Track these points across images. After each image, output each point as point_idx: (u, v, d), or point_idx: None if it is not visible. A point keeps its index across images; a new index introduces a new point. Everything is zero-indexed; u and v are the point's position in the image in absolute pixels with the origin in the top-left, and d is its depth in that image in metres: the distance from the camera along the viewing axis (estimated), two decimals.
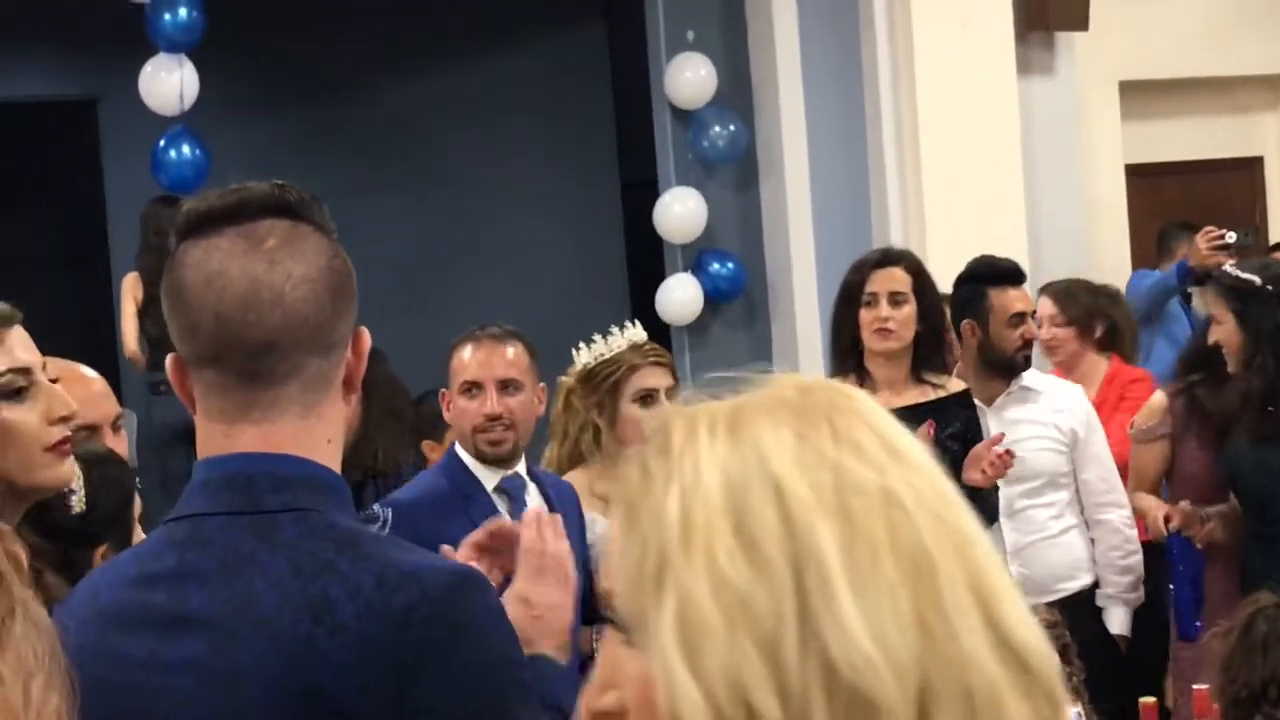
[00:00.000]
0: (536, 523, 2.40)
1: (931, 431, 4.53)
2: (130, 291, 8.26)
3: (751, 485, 1.13)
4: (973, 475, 4.53)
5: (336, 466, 1.93)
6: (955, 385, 4.91)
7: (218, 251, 1.88)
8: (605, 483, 4.32)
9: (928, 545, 1.13)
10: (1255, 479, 4.85)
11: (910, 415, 4.65)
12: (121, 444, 3.29)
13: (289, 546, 1.83)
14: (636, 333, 4.43)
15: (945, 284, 5.60)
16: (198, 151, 7.93)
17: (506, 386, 4.05)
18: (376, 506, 2.98)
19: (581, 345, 4.38)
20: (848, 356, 4.86)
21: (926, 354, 4.86)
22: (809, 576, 1.10)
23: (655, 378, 4.37)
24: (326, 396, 1.91)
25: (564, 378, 4.59)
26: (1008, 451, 4.57)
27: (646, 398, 4.35)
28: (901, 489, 1.15)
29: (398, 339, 9.71)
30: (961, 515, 1.18)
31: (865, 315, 4.78)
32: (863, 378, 4.79)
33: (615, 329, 4.41)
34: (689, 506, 1.14)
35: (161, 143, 7.97)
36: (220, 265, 1.87)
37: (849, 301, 4.86)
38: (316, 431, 1.90)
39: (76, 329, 9.85)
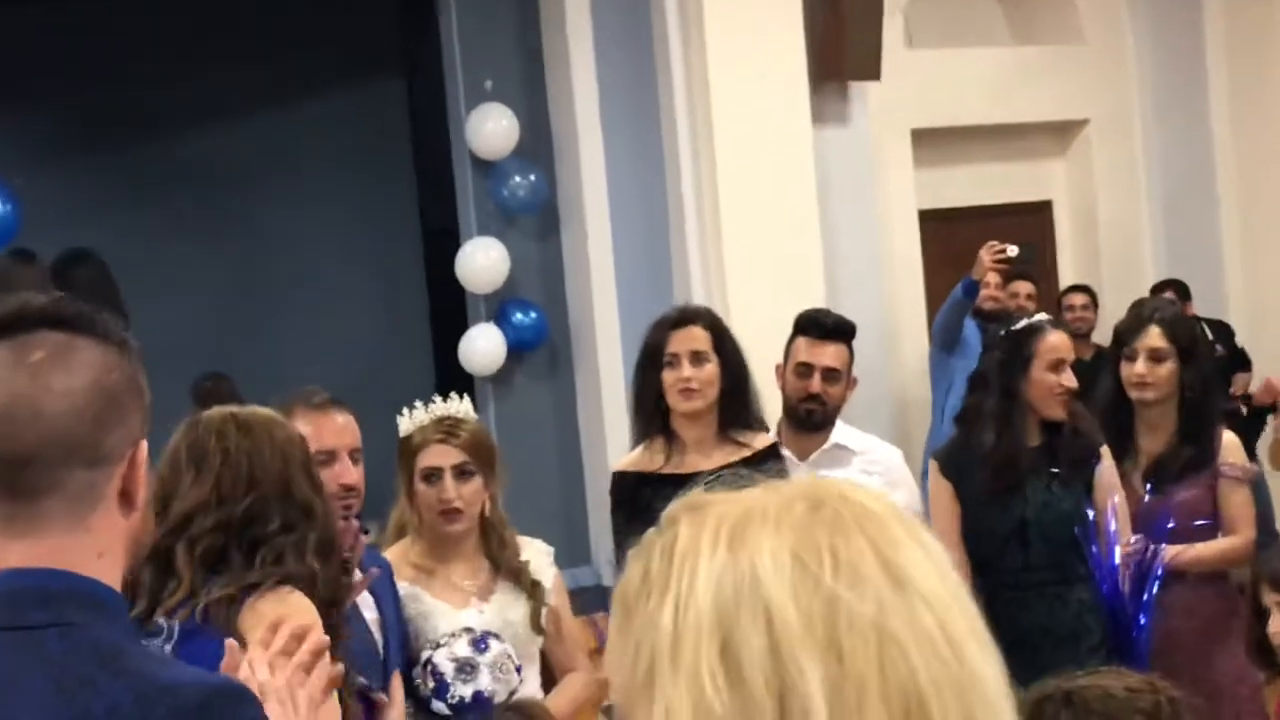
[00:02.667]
0: (274, 627, 2.36)
1: None
2: None
3: (743, 607, 1.11)
4: None
5: (113, 580, 1.93)
6: (763, 441, 4.87)
7: None
8: (419, 555, 4.25)
9: (922, 687, 1.09)
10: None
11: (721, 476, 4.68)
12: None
13: (52, 663, 1.83)
14: (447, 406, 4.26)
15: (745, 334, 5.65)
16: (8, 205, 7.70)
17: (355, 455, 3.93)
18: (162, 620, 2.90)
19: (405, 411, 4.29)
20: (652, 419, 4.79)
21: (733, 412, 4.80)
22: (791, 711, 1.08)
23: (438, 456, 4.20)
24: (96, 510, 1.91)
25: None
26: None
27: (429, 476, 4.22)
28: (899, 626, 1.11)
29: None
30: (969, 652, 1.14)
31: (668, 376, 4.72)
32: (670, 440, 4.76)
33: (438, 397, 4.30)
34: (681, 620, 1.12)
35: None
36: None
37: (651, 363, 4.78)
38: (85, 545, 1.90)
39: None
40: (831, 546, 1.13)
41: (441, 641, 4.11)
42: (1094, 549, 4.89)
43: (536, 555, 4.32)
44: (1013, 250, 8.08)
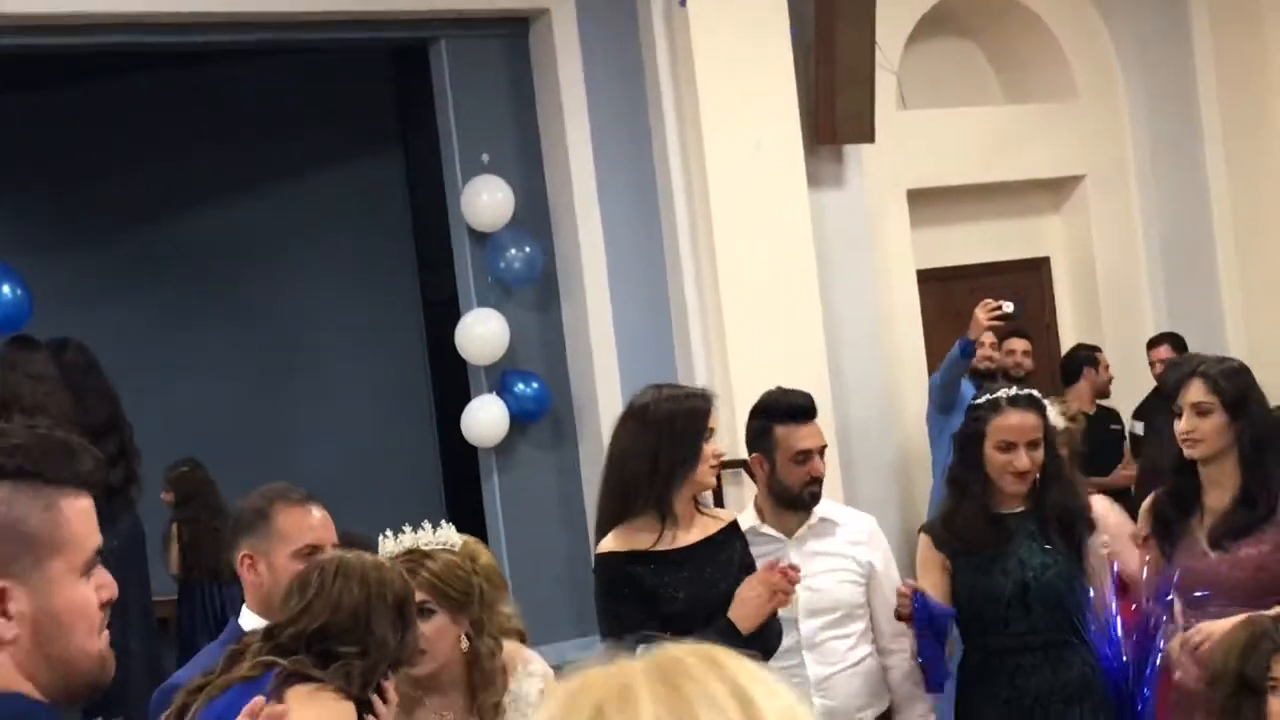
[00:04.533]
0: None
1: (789, 572, 4.59)
2: None
3: None
4: (772, 601, 4.58)
5: (27, 689, 1.93)
6: (726, 515, 4.93)
7: None
8: (401, 680, 4.15)
9: None
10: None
11: (705, 550, 4.67)
12: None
13: None
14: (418, 537, 4.06)
15: (747, 399, 5.66)
16: (19, 290, 7.71)
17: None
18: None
19: (386, 534, 4.17)
20: (661, 496, 4.69)
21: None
22: None
23: None
24: None
25: None
26: (791, 566, 4.63)
27: None
28: None
29: (214, 464, 9.62)
30: None
31: (709, 449, 4.68)
32: (663, 517, 4.73)
33: (427, 524, 4.18)
34: None
35: None
36: None
37: (685, 439, 4.68)
38: None
39: None
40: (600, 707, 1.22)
41: None
42: (1091, 625, 4.88)
43: (527, 682, 4.13)
44: (1008, 307, 8.10)
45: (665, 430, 4.68)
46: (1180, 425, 4.99)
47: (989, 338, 8.51)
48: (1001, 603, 4.99)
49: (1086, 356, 9.42)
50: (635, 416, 4.76)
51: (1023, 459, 5.00)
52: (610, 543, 4.71)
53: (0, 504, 1.92)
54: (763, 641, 4.59)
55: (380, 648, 3.45)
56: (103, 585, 2.00)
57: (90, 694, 2.02)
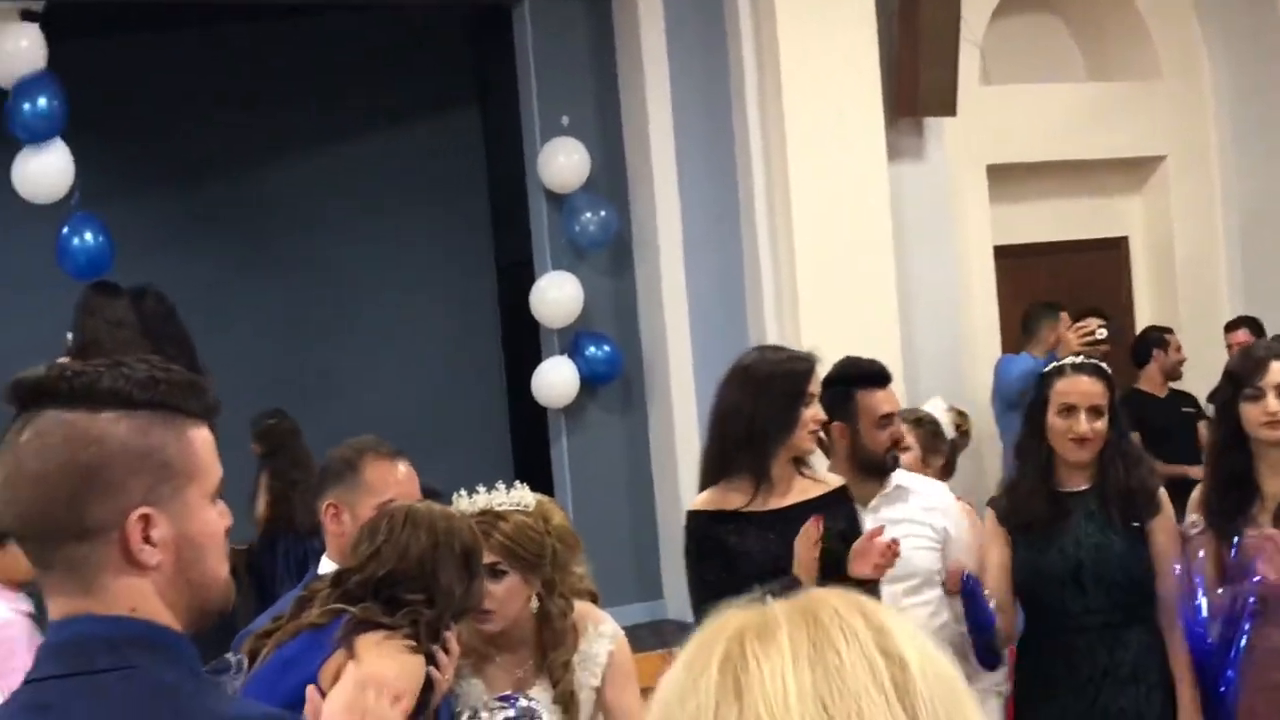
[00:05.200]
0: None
1: (820, 526, 4.54)
2: None
3: None
4: (863, 569, 4.54)
5: (167, 619, 2.00)
6: (834, 480, 4.87)
7: (5, 439, 2.00)
8: (470, 635, 4.05)
9: None
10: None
11: (798, 513, 4.66)
12: None
13: (116, 705, 1.92)
14: (492, 497, 4.04)
15: (819, 370, 5.65)
16: (100, 238, 7.81)
17: None
18: (230, 655, 3.04)
19: (460, 493, 4.17)
20: (757, 457, 4.65)
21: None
22: None
23: None
24: (101, 578, 1.97)
25: None
26: (894, 541, 4.60)
27: None
28: None
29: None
30: None
31: (806, 413, 4.63)
32: (759, 478, 4.73)
33: (501, 484, 4.18)
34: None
35: (65, 230, 7.78)
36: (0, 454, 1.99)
37: (786, 401, 4.64)
38: (112, 606, 1.97)
39: None
40: (692, 660, 1.24)
41: (478, 715, 4.03)
42: (1182, 605, 4.84)
43: (597, 643, 4.12)
44: (1101, 333, 8.04)
45: (763, 391, 4.65)
46: (1267, 406, 4.93)
47: (1074, 332, 8.39)
48: (1056, 581, 4.97)
49: (1156, 338, 9.33)
50: (737, 376, 4.73)
51: (1082, 424, 4.97)
52: (700, 500, 4.73)
53: (140, 433, 1.98)
54: None
55: (445, 597, 3.46)
56: (223, 513, 2.07)
57: (215, 620, 2.09)
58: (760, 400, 4.64)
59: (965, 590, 4.95)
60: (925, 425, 6.40)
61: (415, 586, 3.45)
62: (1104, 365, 5.22)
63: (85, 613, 1.95)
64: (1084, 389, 5.01)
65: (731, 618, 1.25)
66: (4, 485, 1.97)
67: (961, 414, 7.44)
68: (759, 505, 4.65)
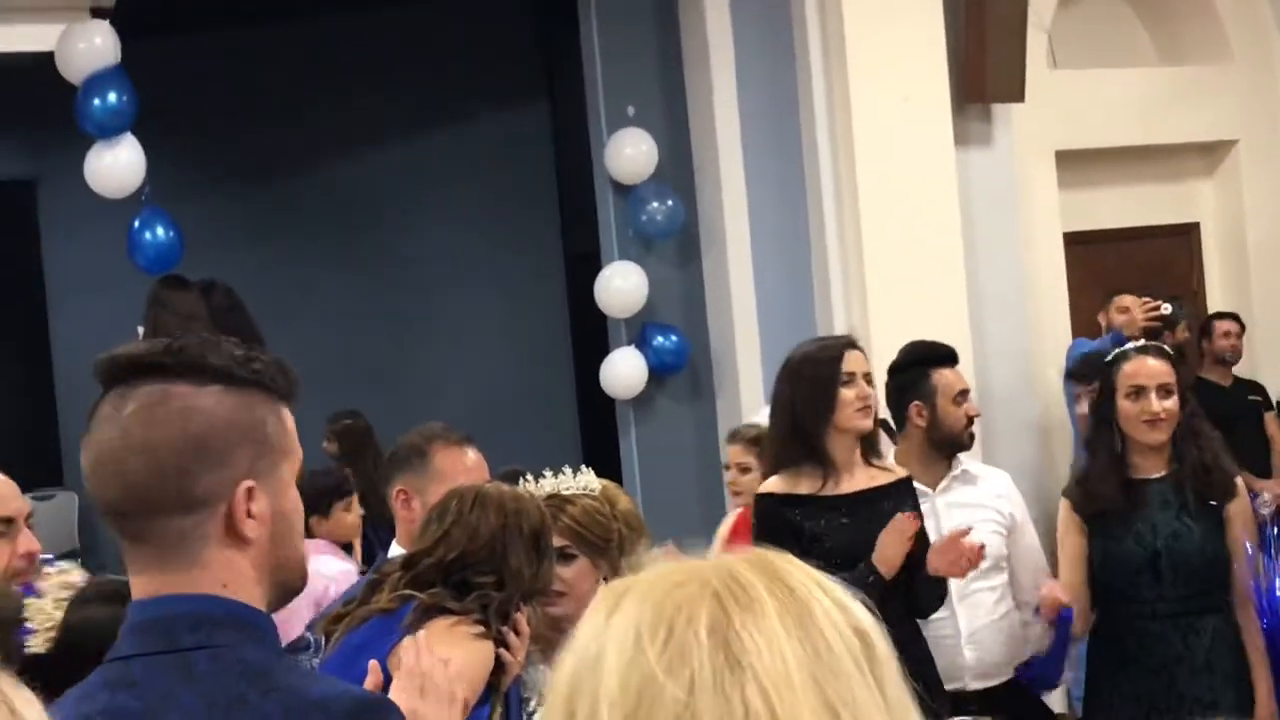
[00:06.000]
0: (415, 647, 2.71)
1: (916, 521, 4.58)
2: None
3: (586, 677, 1.18)
4: (946, 568, 4.58)
5: (255, 600, 2.01)
6: (899, 470, 4.94)
7: (97, 414, 2.00)
8: (538, 623, 4.14)
9: None
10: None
11: (869, 498, 4.70)
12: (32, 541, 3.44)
13: (203, 683, 1.93)
14: (559, 482, 4.04)
15: (886, 358, 5.65)
16: (170, 232, 7.88)
17: None
18: (309, 634, 3.05)
19: (526, 478, 4.17)
20: (812, 442, 4.76)
21: (873, 437, 4.90)
22: None
23: None
24: (202, 553, 1.98)
25: None
26: (982, 546, 4.63)
27: None
28: (707, 706, 1.14)
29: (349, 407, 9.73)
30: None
31: (846, 393, 4.74)
32: (823, 463, 4.76)
33: (567, 469, 4.19)
34: (553, 684, 1.21)
35: (136, 224, 7.87)
36: (93, 429, 1.99)
37: (822, 386, 4.76)
38: (202, 582, 1.98)
39: (17, 409, 9.78)
40: (670, 623, 1.17)
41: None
42: (1256, 584, 4.82)
43: None
44: (1166, 308, 7.99)
45: (798, 379, 4.82)
46: None
47: (1139, 306, 8.34)
48: (1131, 569, 4.95)
49: (1204, 324, 9.23)
50: (782, 369, 4.92)
51: (1154, 404, 4.95)
52: (770, 484, 4.81)
53: (244, 408, 2.01)
54: (927, 600, 4.70)
55: (515, 578, 3.44)
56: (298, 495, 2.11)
57: (292, 599, 2.12)
58: (797, 388, 4.80)
59: (1061, 620, 4.98)
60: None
61: (485, 569, 3.43)
62: (1165, 347, 5.24)
63: (168, 592, 1.96)
64: (1151, 369, 5.01)
65: (687, 575, 1.21)
66: (109, 457, 1.96)
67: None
68: (830, 490, 4.72)
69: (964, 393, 5.31)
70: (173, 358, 1.99)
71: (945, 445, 5.26)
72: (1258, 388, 9.21)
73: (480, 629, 3.37)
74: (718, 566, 1.21)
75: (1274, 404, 9.13)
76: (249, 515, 1.98)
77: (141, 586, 1.99)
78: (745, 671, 1.14)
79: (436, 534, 3.49)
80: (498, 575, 3.44)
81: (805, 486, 4.75)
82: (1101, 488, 5.03)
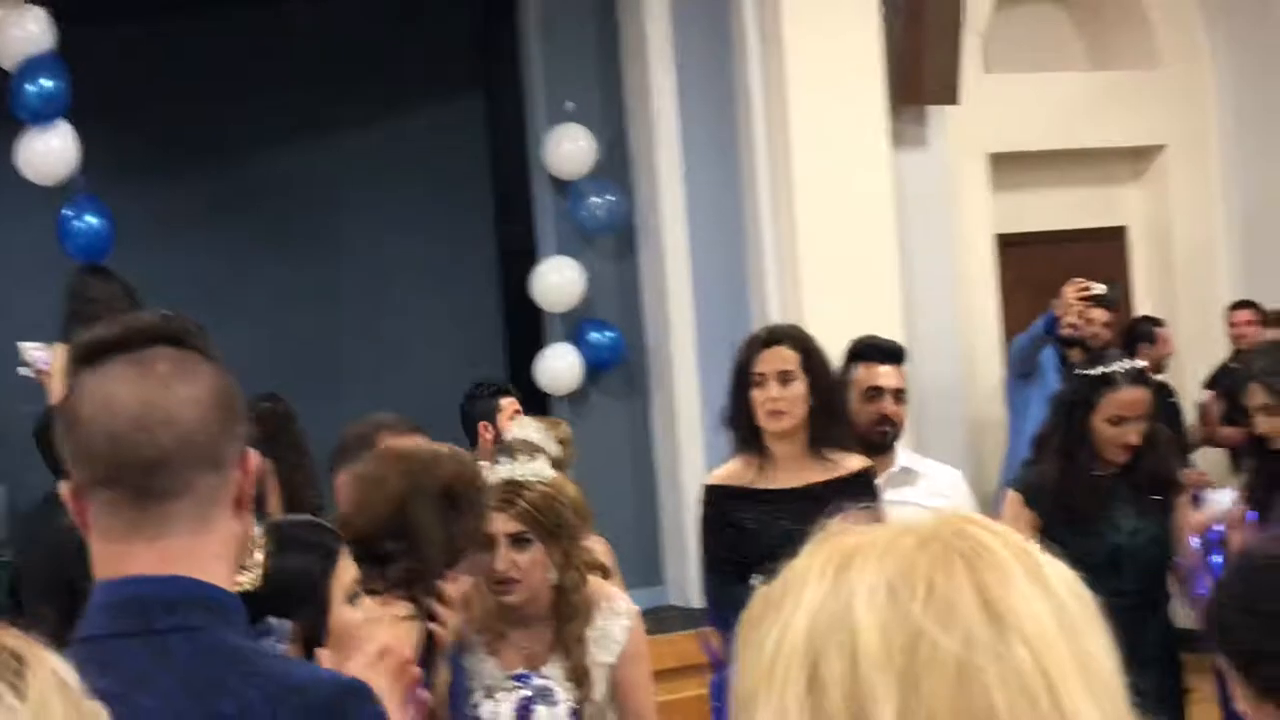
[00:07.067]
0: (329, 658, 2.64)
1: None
2: (61, 363, 8.13)
3: (832, 635, 1.13)
4: None
5: (227, 582, 2.02)
6: (856, 463, 4.87)
7: (110, 378, 1.98)
8: (484, 612, 4.03)
9: None
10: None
11: (817, 493, 4.66)
12: None
13: (180, 666, 1.92)
14: (513, 469, 3.98)
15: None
16: (103, 220, 7.81)
17: None
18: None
19: (484, 463, 4.14)
20: (746, 436, 4.81)
21: (822, 430, 4.80)
22: None
23: (494, 523, 3.84)
24: (216, 512, 1.99)
25: None
26: None
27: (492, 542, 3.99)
28: (985, 663, 1.11)
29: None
30: (1067, 691, 1.14)
31: (756, 395, 4.74)
32: (763, 456, 4.78)
33: (522, 456, 4.01)
34: (778, 646, 1.15)
35: (66, 211, 7.78)
36: (113, 390, 1.97)
37: (741, 382, 4.81)
38: (208, 547, 1.99)
39: None
40: (929, 580, 1.14)
41: (493, 694, 4.00)
42: (1200, 580, 4.91)
43: (613, 620, 4.08)
44: (1099, 288, 8.06)
45: (733, 374, 4.88)
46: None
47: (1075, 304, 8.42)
48: (1092, 564, 5.00)
49: (1145, 331, 9.30)
50: None
51: (1133, 435, 5.01)
52: (714, 474, 4.82)
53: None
54: None
55: (426, 544, 3.26)
56: None
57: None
58: (731, 384, 4.86)
59: None
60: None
61: (395, 535, 3.24)
62: (1145, 368, 5.28)
63: (177, 562, 1.95)
64: (1135, 400, 5.06)
65: (920, 536, 1.19)
66: (157, 409, 1.96)
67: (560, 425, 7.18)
68: (765, 483, 4.71)
69: (878, 390, 5.27)
70: (182, 330, 2.03)
71: (862, 442, 5.20)
72: (1170, 390, 9.30)
73: (407, 608, 3.25)
74: (944, 527, 1.21)
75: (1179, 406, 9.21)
76: (249, 485, 2.02)
77: (125, 559, 1.96)
78: (1010, 629, 1.13)
79: (350, 509, 3.39)
80: (409, 540, 3.25)
81: (744, 478, 4.78)
82: (1075, 494, 5.04)
